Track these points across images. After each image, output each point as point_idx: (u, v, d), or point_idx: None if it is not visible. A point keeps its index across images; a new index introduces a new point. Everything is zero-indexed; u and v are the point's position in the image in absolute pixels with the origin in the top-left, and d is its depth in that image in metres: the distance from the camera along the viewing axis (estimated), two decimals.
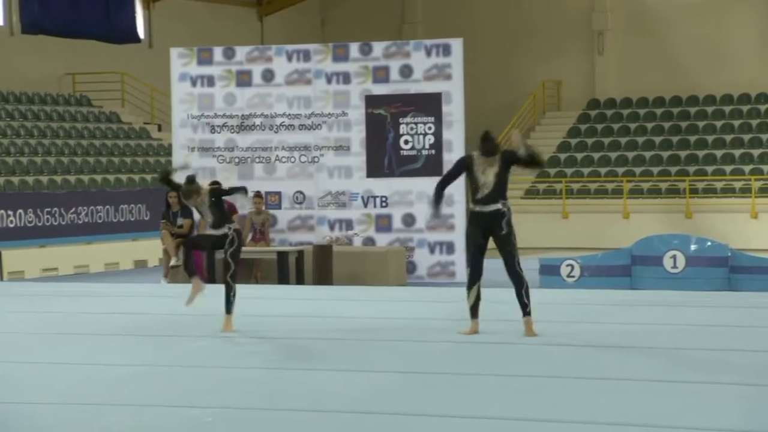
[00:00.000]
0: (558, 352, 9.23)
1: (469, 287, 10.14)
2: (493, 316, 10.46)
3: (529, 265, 18.02)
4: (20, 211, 19.99)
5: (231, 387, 7.98)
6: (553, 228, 26.59)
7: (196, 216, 16.98)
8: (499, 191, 10.13)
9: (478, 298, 10.14)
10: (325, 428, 6.73)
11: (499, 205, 10.09)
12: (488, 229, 10.11)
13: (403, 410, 7.09)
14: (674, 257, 15.24)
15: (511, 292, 10.13)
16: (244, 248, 16.60)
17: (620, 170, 28.77)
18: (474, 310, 10.16)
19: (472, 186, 10.21)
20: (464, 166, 10.29)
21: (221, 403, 7.39)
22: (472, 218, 10.21)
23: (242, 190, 11.33)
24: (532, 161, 10.19)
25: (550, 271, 15.80)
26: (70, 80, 28.18)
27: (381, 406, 7.25)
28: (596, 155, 29.61)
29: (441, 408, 7.16)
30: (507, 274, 10.08)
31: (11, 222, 19.79)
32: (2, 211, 19.50)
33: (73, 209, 21.33)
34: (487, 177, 10.16)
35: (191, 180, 10.99)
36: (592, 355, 9.10)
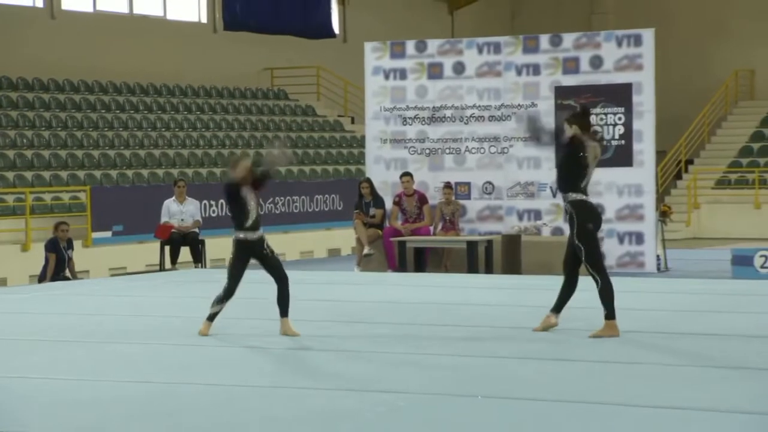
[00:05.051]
0: (750, 345, 9.19)
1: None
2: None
3: (720, 256, 17.87)
4: (221, 201, 20.85)
5: (422, 373, 8.19)
6: (745, 218, 26.11)
7: (388, 206, 17.46)
8: (562, 182, 9.68)
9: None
10: (514, 414, 6.88)
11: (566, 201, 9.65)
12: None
13: (594, 399, 7.15)
14: None
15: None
16: (435, 237, 17.12)
17: None
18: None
19: None
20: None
21: (414, 388, 7.58)
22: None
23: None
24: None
25: (743, 262, 15.64)
26: (269, 75, 29.08)
27: (573, 394, 7.32)
28: None
29: (631, 397, 7.25)
30: None
31: (213, 212, 20.66)
32: (205, 202, 20.41)
33: (271, 199, 22.13)
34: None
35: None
36: None
